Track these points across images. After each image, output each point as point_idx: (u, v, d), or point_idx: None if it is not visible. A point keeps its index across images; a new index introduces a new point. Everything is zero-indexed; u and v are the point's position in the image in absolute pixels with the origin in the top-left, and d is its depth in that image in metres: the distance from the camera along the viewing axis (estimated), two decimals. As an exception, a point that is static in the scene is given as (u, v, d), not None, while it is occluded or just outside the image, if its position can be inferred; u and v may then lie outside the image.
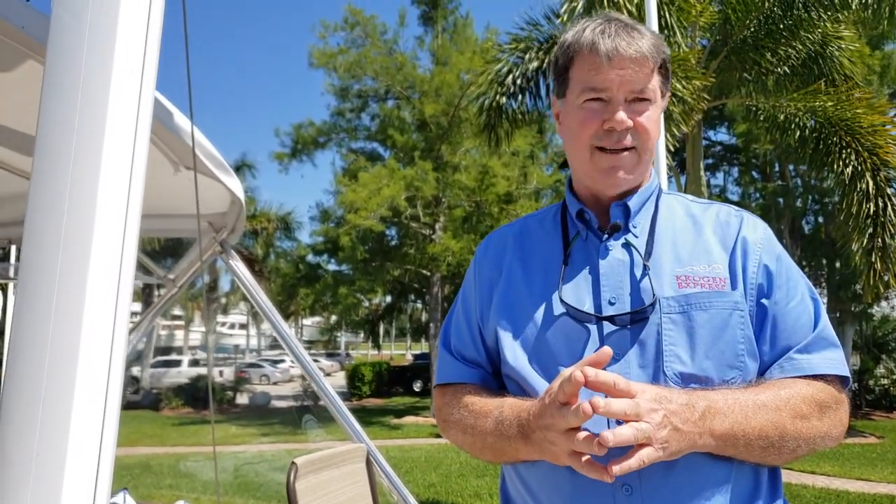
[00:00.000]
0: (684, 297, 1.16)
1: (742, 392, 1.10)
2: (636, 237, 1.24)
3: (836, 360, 1.17)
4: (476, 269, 1.38)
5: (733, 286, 1.17)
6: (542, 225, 1.36)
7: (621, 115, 1.17)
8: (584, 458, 1.02)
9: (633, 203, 1.26)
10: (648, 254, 1.21)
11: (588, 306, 1.19)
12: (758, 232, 1.24)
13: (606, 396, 1.02)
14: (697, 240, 1.23)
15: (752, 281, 1.19)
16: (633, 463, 0.99)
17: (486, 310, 1.31)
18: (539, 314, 1.22)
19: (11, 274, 3.77)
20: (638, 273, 1.19)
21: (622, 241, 1.24)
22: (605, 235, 1.25)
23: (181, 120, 2.10)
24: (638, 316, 1.15)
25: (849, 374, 1.19)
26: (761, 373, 1.17)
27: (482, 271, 1.36)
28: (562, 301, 1.19)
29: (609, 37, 1.17)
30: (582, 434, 1.02)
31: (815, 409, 1.12)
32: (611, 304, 1.18)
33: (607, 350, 1.04)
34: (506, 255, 1.34)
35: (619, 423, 1.06)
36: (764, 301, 1.18)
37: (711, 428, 1.05)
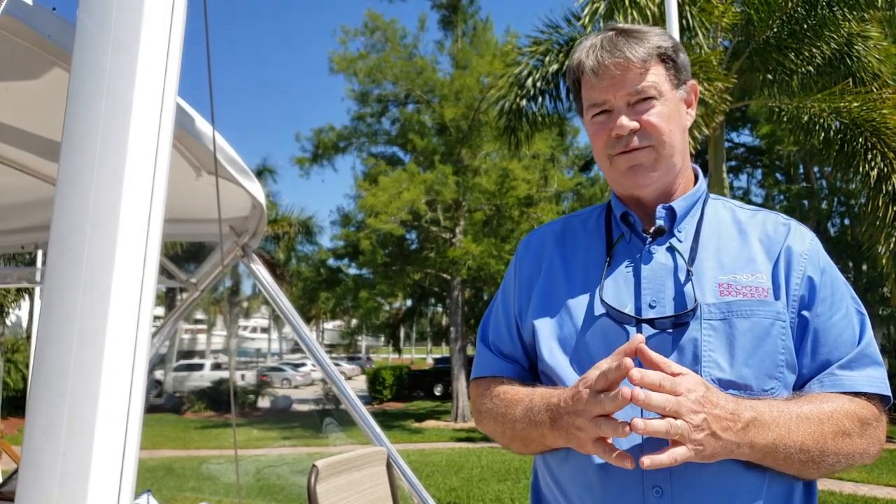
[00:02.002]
0: (726, 305, 1.15)
1: (786, 404, 1.09)
2: (680, 242, 1.23)
3: (879, 379, 1.15)
4: (516, 265, 1.39)
5: (776, 296, 1.16)
6: (584, 225, 1.36)
7: (621, 119, 1.20)
8: (615, 455, 1.03)
9: (678, 207, 1.26)
10: (692, 259, 1.20)
11: (629, 308, 1.19)
12: (804, 243, 1.22)
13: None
14: (742, 248, 1.22)
15: (795, 292, 1.17)
16: (664, 459, 0.99)
17: (524, 305, 1.32)
18: (579, 313, 1.23)
19: (38, 278, 3.83)
20: (681, 277, 1.19)
21: (666, 245, 1.23)
22: (649, 239, 1.24)
23: (203, 125, 2.12)
24: (678, 320, 1.15)
25: (890, 394, 1.17)
26: (800, 385, 1.16)
27: (522, 267, 1.37)
28: (602, 301, 1.19)
29: (594, 51, 1.22)
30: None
31: (856, 425, 1.10)
32: (651, 307, 1.18)
33: (640, 336, 1.05)
34: (546, 253, 1.34)
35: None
36: (805, 313, 1.17)
37: (752, 440, 1.04)
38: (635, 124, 1.20)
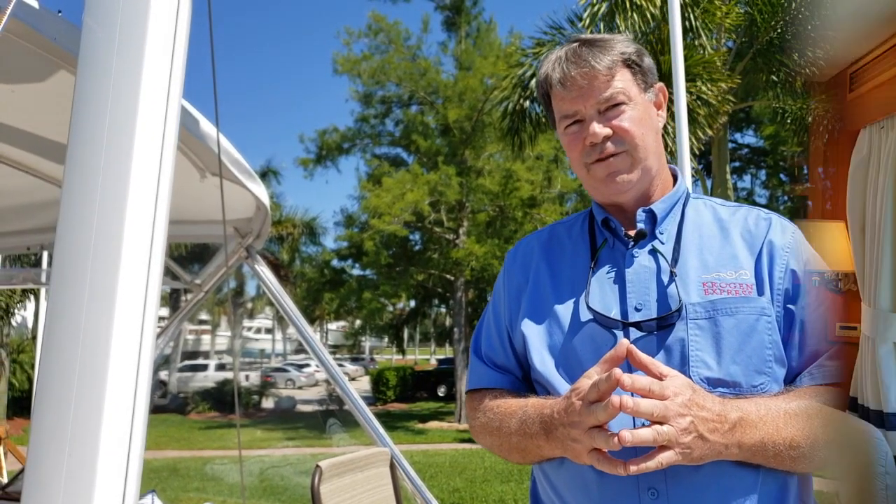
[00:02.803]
0: (710, 304, 1.15)
1: (774, 401, 1.10)
2: (662, 244, 1.24)
3: None
4: (505, 276, 1.40)
5: (760, 292, 1.17)
6: (570, 232, 1.37)
7: (593, 127, 1.22)
8: (610, 463, 1.03)
9: (658, 209, 1.26)
10: (675, 260, 1.21)
11: (615, 312, 1.19)
12: (786, 236, 1.23)
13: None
14: (724, 245, 1.23)
15: (779, 286, 1.18)
16: (651, 464, 1.00)
17: (514, 315, 1.33)
18: (566, 320, 1.23)
19: (43, 279, 3.85)
20: (665, 279, 1.20)
21: (649, 247, 1.24)
22: (631, 242, 1.25)
23: (207, 127, 2.13)
24: (664, 322, 1.15)
25: None
26: (790, 379, 1.16)
27: (511, 277, 1.38)
28: (588, 307, 1.20)
29: (560, 65, 1.25)
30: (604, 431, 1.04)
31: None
32: (637, 310, 1.19)
33: (624, 342, 1.07)
34: (533, 262, 1.35)
35: (645, 424, 1.06)
36: (791, 306, 1.17)
37: (740, 441, 1.05)
38: (608, 131, 1.21)
